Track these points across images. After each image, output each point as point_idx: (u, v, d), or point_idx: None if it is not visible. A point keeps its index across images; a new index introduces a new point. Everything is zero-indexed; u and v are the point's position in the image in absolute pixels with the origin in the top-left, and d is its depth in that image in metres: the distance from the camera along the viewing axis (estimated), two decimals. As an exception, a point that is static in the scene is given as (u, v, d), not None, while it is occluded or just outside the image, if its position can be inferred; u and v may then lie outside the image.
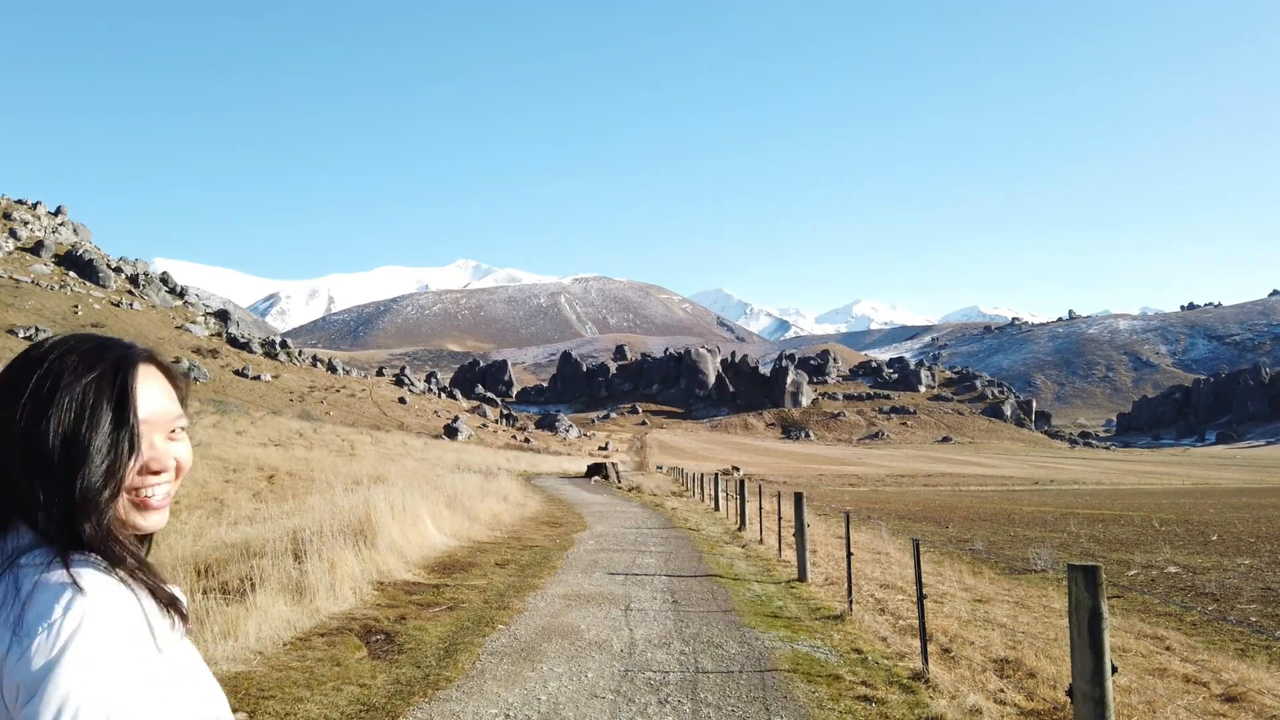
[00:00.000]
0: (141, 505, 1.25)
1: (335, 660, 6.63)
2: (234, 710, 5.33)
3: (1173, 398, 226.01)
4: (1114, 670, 4.14)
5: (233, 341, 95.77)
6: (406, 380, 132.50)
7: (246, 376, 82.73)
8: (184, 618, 1.25)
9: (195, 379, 71.78)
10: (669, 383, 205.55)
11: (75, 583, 1.11)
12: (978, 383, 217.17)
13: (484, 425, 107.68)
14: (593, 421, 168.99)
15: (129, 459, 1.21)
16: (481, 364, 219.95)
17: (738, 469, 70.98)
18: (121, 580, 1.16)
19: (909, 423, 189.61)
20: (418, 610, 8.65)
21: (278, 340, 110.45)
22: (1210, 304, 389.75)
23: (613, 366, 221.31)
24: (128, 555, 1.20)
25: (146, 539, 1.33)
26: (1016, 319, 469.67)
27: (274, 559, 9.12)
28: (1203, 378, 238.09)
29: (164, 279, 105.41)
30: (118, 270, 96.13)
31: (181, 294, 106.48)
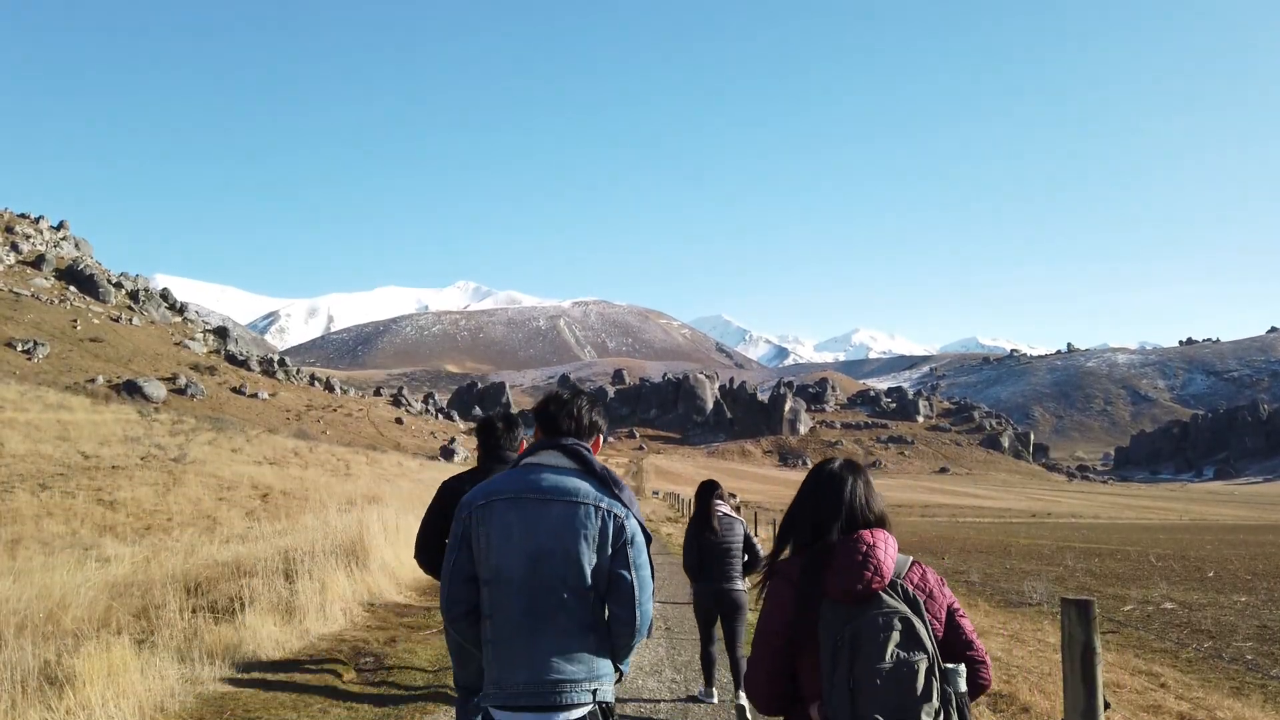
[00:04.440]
0: None
1: (323, 682, 6.58)
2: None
3: (1170, 432, 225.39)
4: (1107, 706, 4.10)
5: (231, 359, 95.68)
6: (404, 401, 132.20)
7: (244, 394, 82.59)
8: None
9: (192, 395, 71.66)
10: (667, 408, 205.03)
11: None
12: (976, 414, 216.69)
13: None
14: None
15: None
16: (480, 386, 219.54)
17: (734, 495, 70.69)
18: None
19: (906, 452, 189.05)
20: (408, 633, 8.59)
21: (276, 358, 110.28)
22: (1209, 340, 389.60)
23: (611, 390, 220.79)
24: None
25: None
26: (1015, 351, 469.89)
27: (265, 578, 9.07)
28: (1201, 413, 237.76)
29: (164, 295, 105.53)
30: (118, 285, 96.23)
31: (181, 310, 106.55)
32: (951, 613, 2.36)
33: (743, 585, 6.51)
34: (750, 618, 6.38)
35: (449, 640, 4.02)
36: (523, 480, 2.59)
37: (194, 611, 7.99)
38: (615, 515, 2.56)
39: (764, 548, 6.50)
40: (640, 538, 2.61)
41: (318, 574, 9.25)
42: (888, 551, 2.25)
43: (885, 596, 2.19)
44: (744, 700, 5.85)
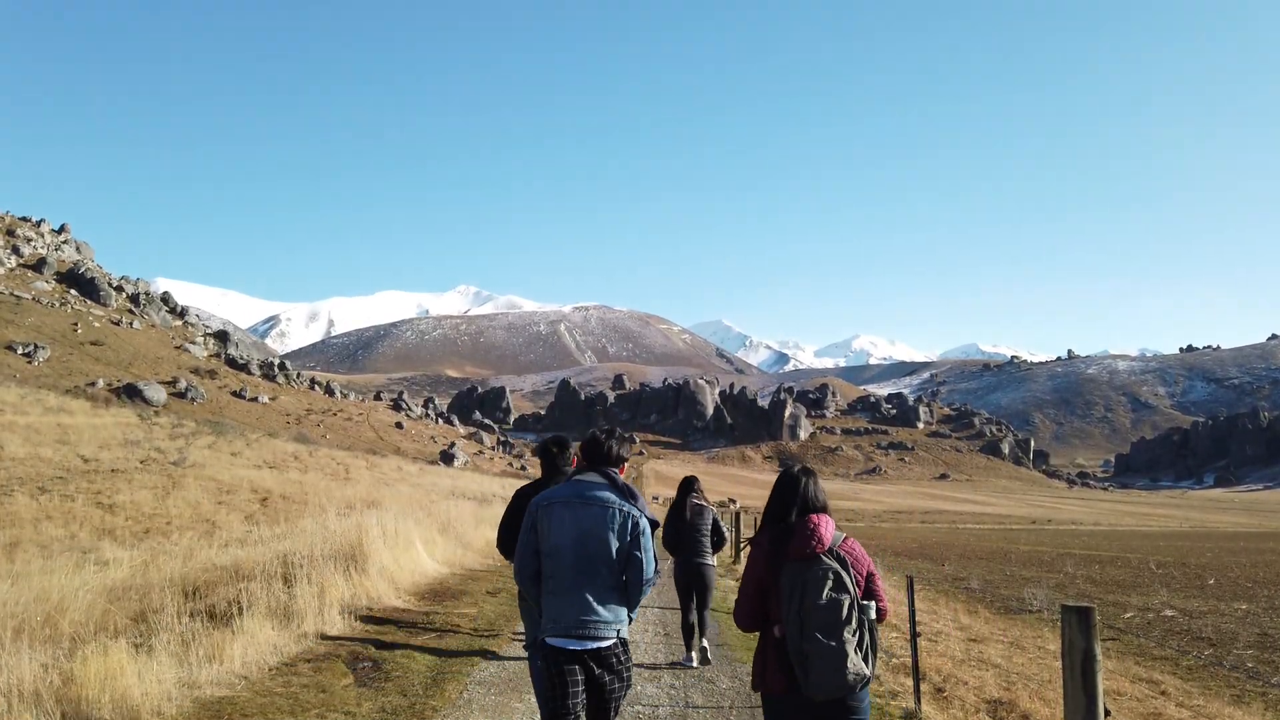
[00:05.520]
0: None
1: (321, 687, 6.56)
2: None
3: (1171, 439, 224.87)
4: (1107, 714, 4.09)
5: (231, 362, 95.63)
6: (404, 405, 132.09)
7: (244, 398, 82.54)
8: None
9: (192, 399, 71.63)
10: (667, 413, 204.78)
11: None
12: (976, 420, 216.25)
13: (480, 452, 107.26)
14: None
15: None
16: (480, 390, 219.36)
17: (734, 501, 70.51)
18: None
19: (907, 458, 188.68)
20: (407, 638, 8.57)
21: (276, 362, 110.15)
22: (1209, 347, 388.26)
23: (611, 395, 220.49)
24: None
25: None
26: (1015, 357, 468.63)
27: (263, 582, 9.03)
28: (1201, 420, 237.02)
29: (165, 298, 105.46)
30: (119, 289, 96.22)
31: (181, 314, 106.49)
32: (870, 575, 3.62)
33: (711, 560, 8.37)
34: (729, 583, 7.68)
35: (520, 598, 5.80)
36: (572, 491, 4.10)
37: (192, 615, 7.97)
38: (632, 515, 4.04)
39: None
40: (648, 530, 4.08)
41: (316, 578, 9.22)
42: (827, 529, 3.55)
43: (824, 558, 3.49)
44: (705, 644, 8.17)
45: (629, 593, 4.05)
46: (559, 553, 3.99)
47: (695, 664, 8.00)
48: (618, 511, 4.01)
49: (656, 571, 4.14)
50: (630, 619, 4.12)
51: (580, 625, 3.93)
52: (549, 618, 4.00)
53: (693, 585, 8.22)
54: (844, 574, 3.46)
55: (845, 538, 3.64)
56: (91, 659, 5.68)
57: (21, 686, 5.44)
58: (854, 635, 3.40)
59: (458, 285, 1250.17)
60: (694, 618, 8.17)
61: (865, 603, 3.50)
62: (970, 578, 20.12)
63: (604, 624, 3.95)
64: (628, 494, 4.10)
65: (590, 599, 3.93)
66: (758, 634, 3.74)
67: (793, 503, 3.69)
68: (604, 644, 3.95)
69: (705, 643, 8.17)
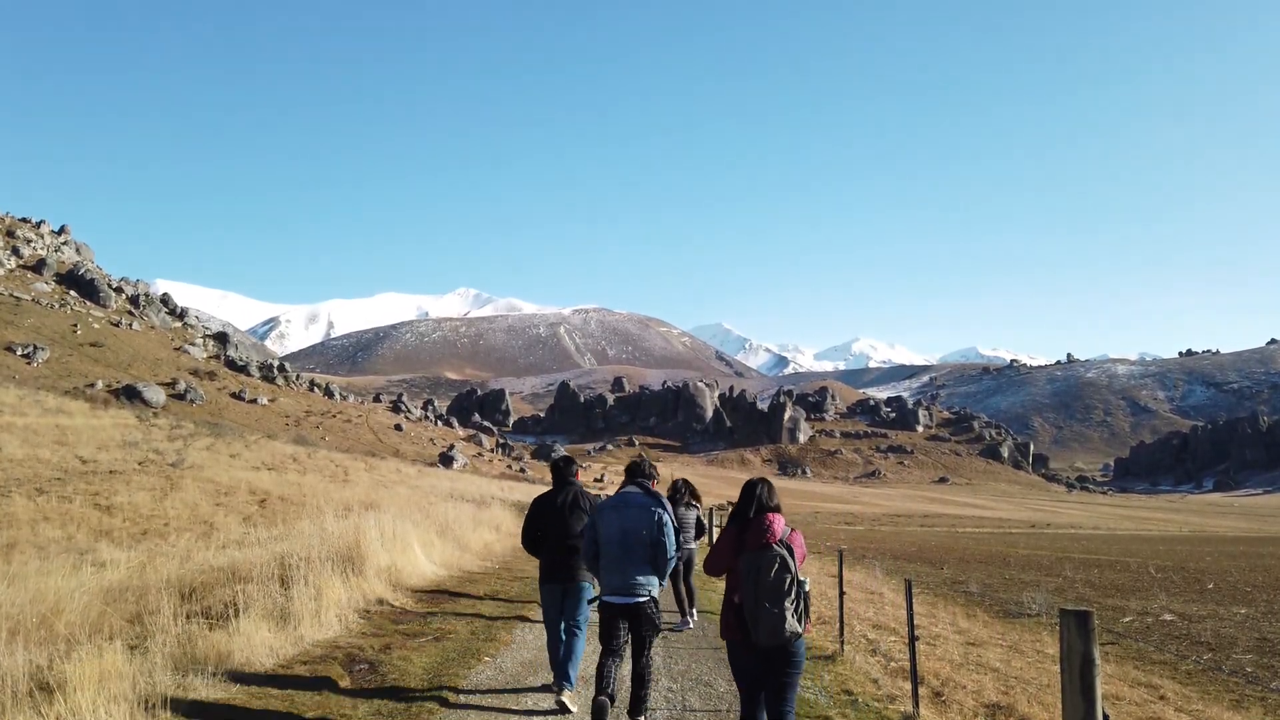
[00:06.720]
0: None
1: (317, 689, 6.53)
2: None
3: (1170, 444, 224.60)
4: (1105, 718, 4.08)
5: (230, 364, 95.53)
6: (403, 407, 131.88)
7: (243, 399, 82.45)
8: None
9: (191, 401, 71.56)
10: (666, 416, 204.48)
11: None
12: (975, 424, 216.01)
13: (480, 454, 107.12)
14: (589, 453, 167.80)
15: None
16: (479, 392, 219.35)
17: (732, 503, 70.53)
18: None
19: (906, 462, 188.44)
20: (404, 640, 8.54)
21: (275, 364, 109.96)
22: (1208, 351, 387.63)
23: (610, 398, 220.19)
24: None
25: None
26: (1015, 361, 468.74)
27: (260, 584, 9.01)
28: (1200, 424, 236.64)
29: (164, 300, 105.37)
30: (118, 290, 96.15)
31: (181, 315, 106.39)
32: (802, 558, 4.87)
33: (693, 545, 10.83)
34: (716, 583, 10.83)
35: (541, 587, 6.99)
36: (620, 499, 6.13)
37: (188, 617, 7.95)
38: (658, 511, 6.02)
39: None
40: (669, 522, 6.03)
41: (313, 580, 9.19)
42: (778, 525, 4.81)
43: (775, 547, 4.74)
44: (694, 617, 10.65)
45: (658, 565, 5.98)
46: (609, 541, 5.93)
47: (691, 627, 10.39)
48: (648, 511, 5.99)
49: (678, 549, 6.10)
50: (661, 584, 6.11)
51: (623, 588, 5.91)
52: (604, 583, 6.01)
53: (680, 563, 10.41)
54: (789, 559, 4.76)
55: (792, 531, 4.92)
56: (87, 660, 5.65)
57: (16, 687, 5.42)
58: (792, 604, 4.67)
59: (457, 287, 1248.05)
60: (683, 589, 10.59)
61: (802, 579, 4.77)
62: (969, 581, 20.10)
63: (639, 587, 5.93)
64: (657, 498, 6.12)
65: (630, 571, 5.90)
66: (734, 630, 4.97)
67: (750, 504, 4.98)
68: (639, 599, 5.94)
69: (694, 611, 10.56)
